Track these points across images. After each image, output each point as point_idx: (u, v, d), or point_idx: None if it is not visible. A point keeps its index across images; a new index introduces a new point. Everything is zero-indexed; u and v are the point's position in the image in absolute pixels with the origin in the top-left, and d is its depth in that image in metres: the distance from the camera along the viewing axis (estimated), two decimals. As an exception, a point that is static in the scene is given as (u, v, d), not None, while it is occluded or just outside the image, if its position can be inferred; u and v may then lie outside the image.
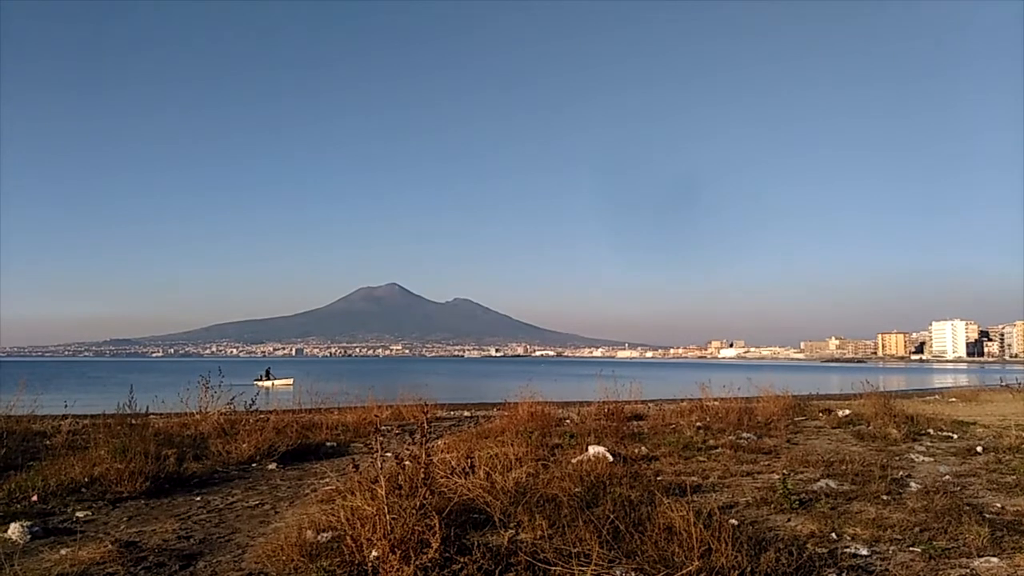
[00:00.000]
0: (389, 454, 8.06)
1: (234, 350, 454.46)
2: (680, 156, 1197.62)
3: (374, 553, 4.57)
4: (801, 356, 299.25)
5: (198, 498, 7.63)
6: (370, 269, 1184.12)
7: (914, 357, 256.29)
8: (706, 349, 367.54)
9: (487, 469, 7.06)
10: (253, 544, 5.72)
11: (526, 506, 5.89)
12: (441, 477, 6.37)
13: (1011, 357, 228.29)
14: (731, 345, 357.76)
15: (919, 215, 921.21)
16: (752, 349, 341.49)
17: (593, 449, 8.98)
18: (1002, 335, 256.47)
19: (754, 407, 15.13)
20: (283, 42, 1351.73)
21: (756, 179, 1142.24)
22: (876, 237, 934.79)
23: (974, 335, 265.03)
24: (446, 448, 9.26)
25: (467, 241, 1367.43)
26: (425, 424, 5.97)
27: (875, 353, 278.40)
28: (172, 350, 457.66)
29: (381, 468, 5.15)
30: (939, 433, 12.53)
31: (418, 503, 4.90)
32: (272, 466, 9.66)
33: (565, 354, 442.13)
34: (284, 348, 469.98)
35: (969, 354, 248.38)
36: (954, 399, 24.22)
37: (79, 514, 6.73)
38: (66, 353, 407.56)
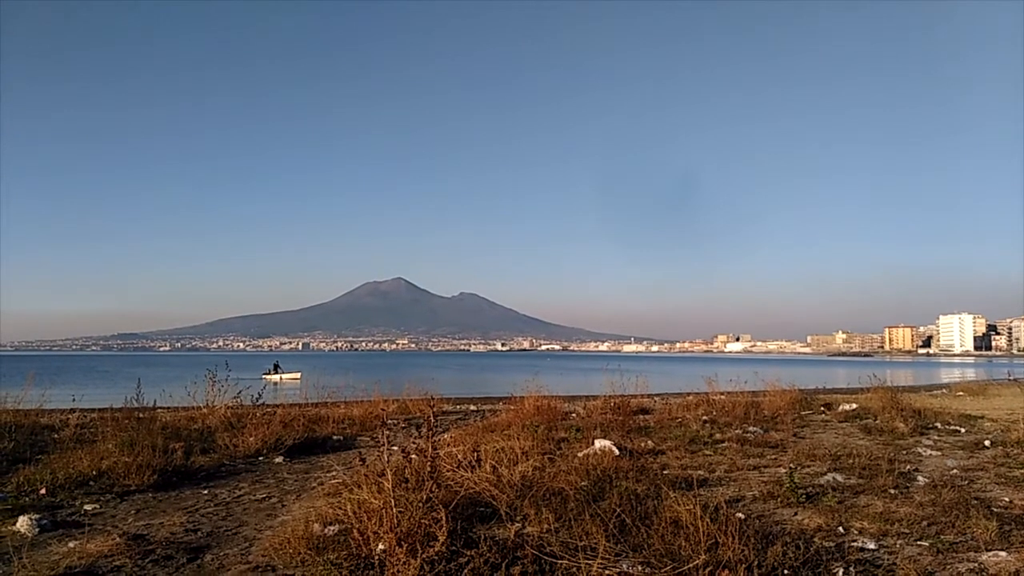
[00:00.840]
0: (396, 448, 8.07)
1: (240, 344, 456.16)
2: (687, 150, 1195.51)
3: (381, 546, 4.57)
4: (808, 350, 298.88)
5: (205, 491, 7.66)
6: (376, 263, 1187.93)
7: (921, 351, 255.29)
8: (712, 343, 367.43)
9: (493, 463, 7.06)
10: (260, 537, 5.74)
11: (532, 500, 5.89)
12: (447, 470, 6.37)
13: (1019, 351, 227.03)
14: (737, 339, 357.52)
15: (927, 209, 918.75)
16: (758, 343, 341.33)
17: (599, 443, 8.97)
18: (1010, 329, 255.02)
19: (760, 401, 15.09)
20: (287, 33, 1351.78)
21: (763, 173, 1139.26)
22: (883, 231, 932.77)
23: (982, 329, 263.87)
24: (452, 442, 9.27)
25: (473, 236, 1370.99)
26: (431, 418, 5.97)
27: (882, 347, 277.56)
28: (179, 344, 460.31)
29: (388, 461, 5.15)
30: (947, 427, 12.47)
31: (424, 496, 4.91)
32: (279, 459, 9.69)
33: (571, 348, 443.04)
34: (290, 342, 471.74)
35: (977, 348, 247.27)
36: (961, 393, 24.09)
37: (87, 507, 6.76)
38: (73, 347, 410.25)
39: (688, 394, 18.36)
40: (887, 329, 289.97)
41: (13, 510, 6.34)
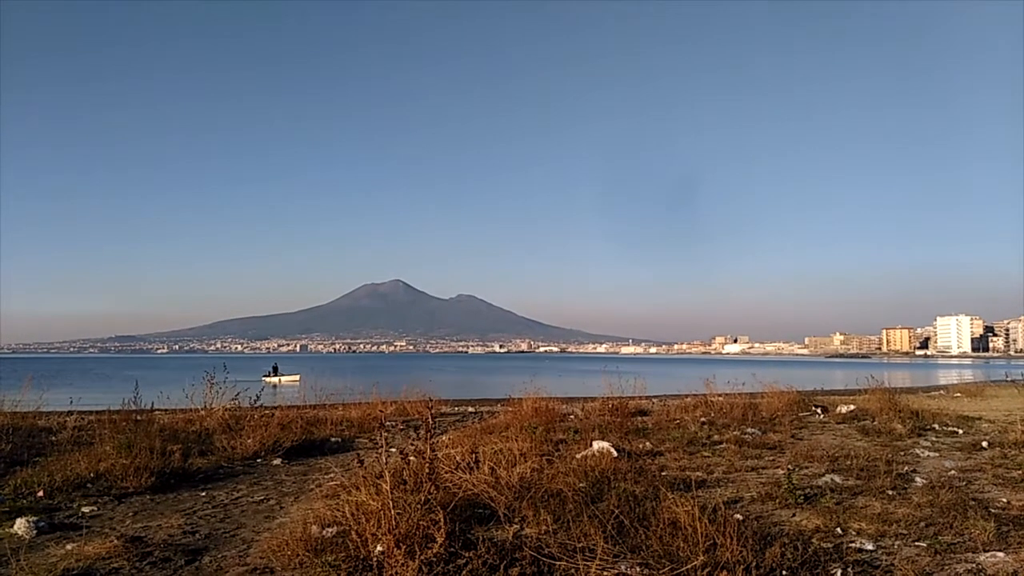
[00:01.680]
0: (394, 449, 8.05)
1: (238, 346, 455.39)
2: (684, 152, 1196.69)
3: (379, 548, 4.57)
4: (805, 352, 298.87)
5: (203, 493, 7.65)
6: (374, 265, 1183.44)
7: (919, 352, 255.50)
8: (710, 345, 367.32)
9: (492, 464, 7.06)
10: (258, 539, 5.73)
11: (531, 501, 5.89)
12: (446, 472, 6.37)
13: (1016, 352, 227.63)
14: (735, 341, 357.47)
15: (924, 210, 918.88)
16: (756, 345, 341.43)
17: (597, 444, 8.98)
18: (1007, 330, 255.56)
19: (758, 403, 15.10)
20: (284, 35, 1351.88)
21: (760, 174, 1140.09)
22: (880, 232, 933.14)
23: (979, 330, 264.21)
24: (451, 443, 9.26)
25: (471, 237, 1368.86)
26: (429, 420, 5.98)
27: (879, 348, 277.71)
28: (177, 346, 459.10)
29: (386, 463, 5.15)
30: (944, 428, 12.48)
31: (423, 498, 4.91)
32: (277, 461, 9.68)
33: (569, 350, 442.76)
34: (288, 344, 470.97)
35: (974, 349, 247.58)
36: (959, 394, 24.12)
37: (85, 509, 6.76)
38: (71, 349, 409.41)
39: (686, 396, 18.34)
40: (884, 331, 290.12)
41: (11, 512, 6.33)
